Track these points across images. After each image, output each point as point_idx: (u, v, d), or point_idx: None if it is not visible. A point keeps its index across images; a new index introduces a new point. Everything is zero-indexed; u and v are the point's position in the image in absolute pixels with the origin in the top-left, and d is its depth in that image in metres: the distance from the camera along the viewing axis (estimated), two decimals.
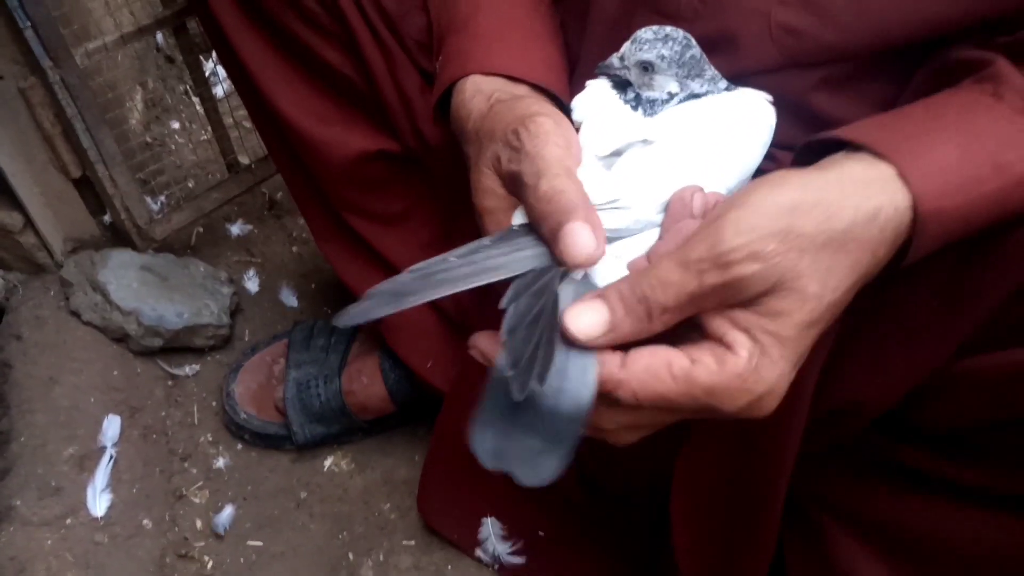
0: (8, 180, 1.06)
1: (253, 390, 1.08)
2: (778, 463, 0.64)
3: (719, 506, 0.71)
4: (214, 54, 1.30)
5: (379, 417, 1.06)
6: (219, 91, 1.30)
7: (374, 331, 1.05)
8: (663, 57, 0.55)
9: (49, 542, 0.93)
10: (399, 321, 0.97)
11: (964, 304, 0.54)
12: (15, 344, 1.09)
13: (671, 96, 0.56)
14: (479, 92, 0.62)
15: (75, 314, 1.10)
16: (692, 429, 0.73)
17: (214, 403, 1.11)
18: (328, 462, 1.08)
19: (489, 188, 0.57)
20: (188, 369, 1.13)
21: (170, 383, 1.13)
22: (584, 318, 0.47)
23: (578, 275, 0.50)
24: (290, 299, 1.22)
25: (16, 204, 1.09)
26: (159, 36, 1.45)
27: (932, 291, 0.54)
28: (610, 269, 0.50)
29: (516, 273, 0.49)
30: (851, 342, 0.60)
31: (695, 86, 0.56)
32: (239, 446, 1.08)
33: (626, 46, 0.56)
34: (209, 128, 1.22)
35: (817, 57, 0.58)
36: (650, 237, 0.52)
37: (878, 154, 0.47)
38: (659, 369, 0.46)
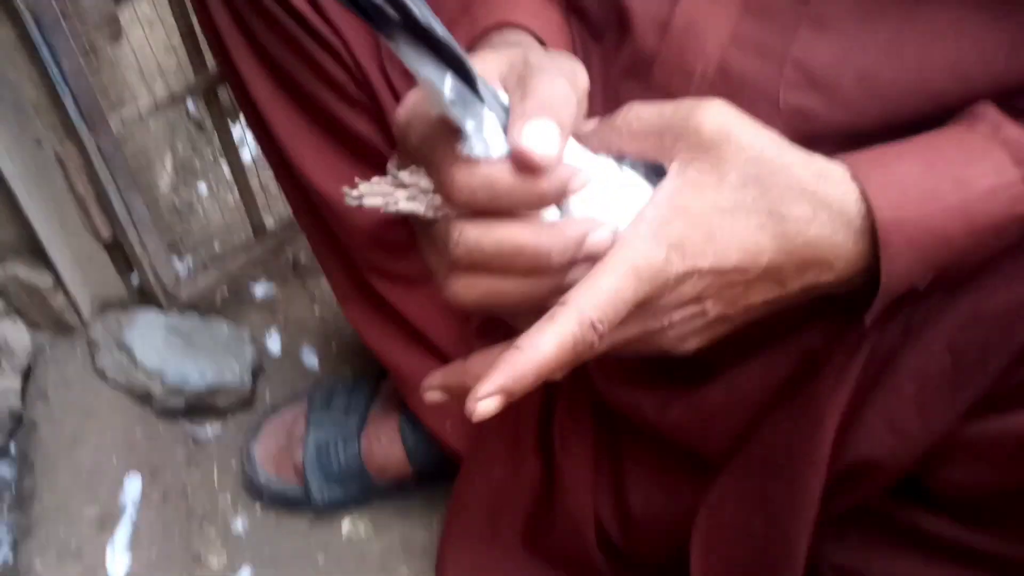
0: (41, 242, 1.09)
1: (273, 451, 1.09)
2: (798, 524, 0.63)
3: (739, 570, 0.70)
4: (243, 120, 1.34)
5: (398, 479, 1.06)
6: (247, 156, 1.33)
7: (394, 393, 1.05)
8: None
9: None
10: (418, 383, 0.98)
11: (972, 363, 0.55)
12: (41, 404, 1.10)
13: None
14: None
15: (101, 374, 1.11)
16: (710, 489, 0.72)
17: (234, 464, 1.11)
18: (346, 526, 1.08)
19: None
20: (209, 430, 1.14)
21: (191, 444, 1.13)
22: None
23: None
24: (311, 360, 1.23)
25: (47, 265, 1.12)
26: (190, 103, 1.49)
27: (944, 346, 0.55)
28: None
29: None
30: (866, 400, 0.60)
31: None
32: (258, 508, 1.08)
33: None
34: (236, 191, 1.25)
35: (829, 135, 0.59)
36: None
37: (846, 166, 0.51)
38: None
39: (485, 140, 0.45)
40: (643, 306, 0.49)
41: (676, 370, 0.69)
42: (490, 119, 0.46)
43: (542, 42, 0.65)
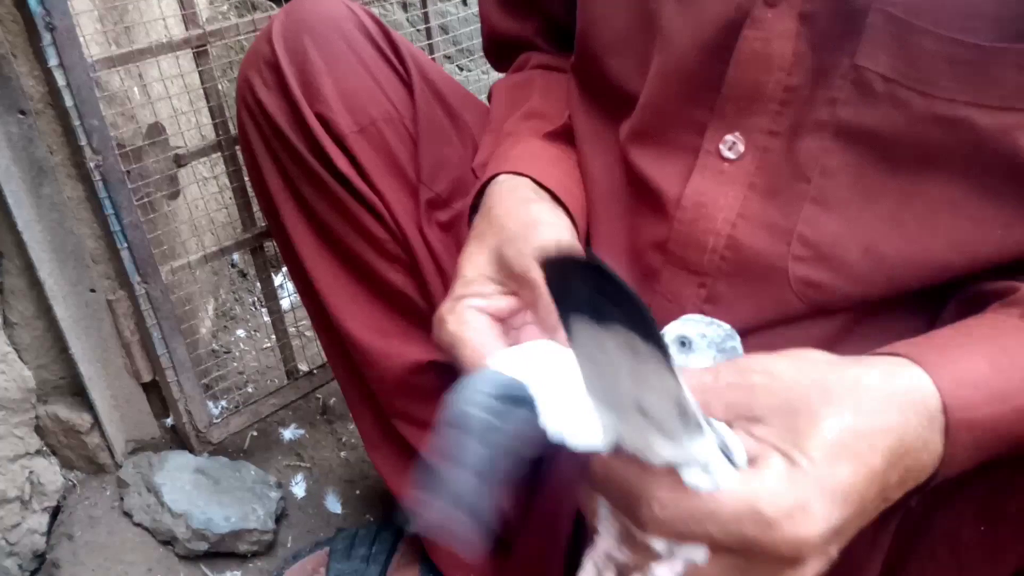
0: (85, 383, 1.13)
1: None
2: None
3: None
4: (284, 270, 1.42)
5: None
6: (285, 303, 1.40)
7: (416, 542, 1.05)
8: (704, 336, 0.53)
9: None
10: (442, 533, 0.98)
11: (1009, 530, 0.54)
12: (66, 543, 1.11)
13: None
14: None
15: (127, 515, 1.12)
16: None
17: None
18: None
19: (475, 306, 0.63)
20: (230, 575, 1.13)
21: None
22: None
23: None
24: (335, 505, 1.23)
25: (87, 405, 1.16)
26: (234, 253, 1.58)
27: (975, 513, 0.55)
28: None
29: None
30: (900, 566, 0.60)
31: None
32: None
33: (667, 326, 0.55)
34: (273, 336, 1.30)
35: (838, 305, 0.61)
36: None
37: (910, 359, 0.49)
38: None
39: (712, 472, 0.44)
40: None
41: None
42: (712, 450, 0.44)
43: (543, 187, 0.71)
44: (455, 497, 0.43)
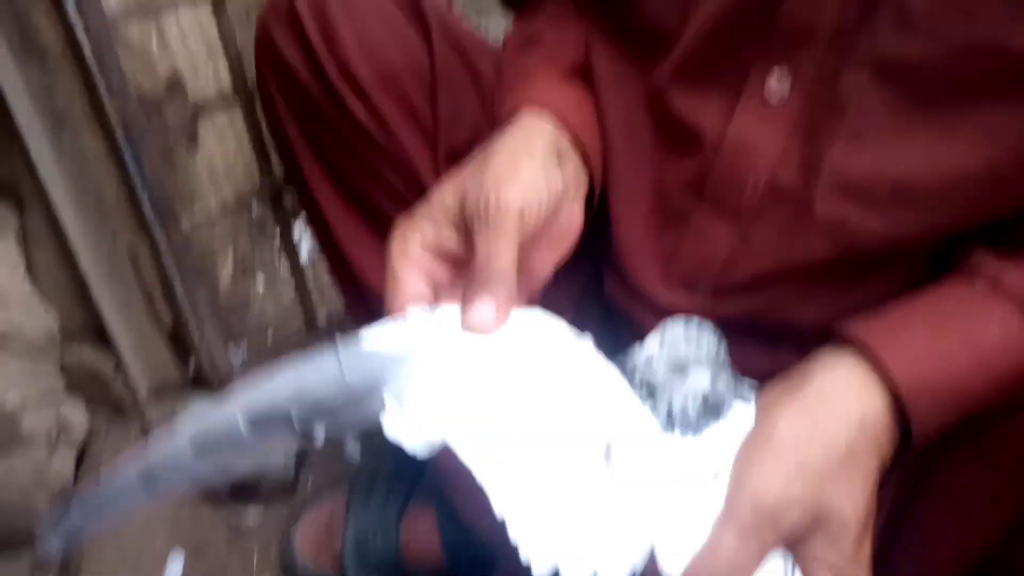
0: (107, 327, 1.16)
1: (312, 540, 1.11)
2: None
3: None
4: (301, 220, 1.43)
5: (434, 572, 1.07)
6: (304, 255, 1.41)
7: (433, 485, 1.08)
8: (705, 355, 0.53)
9: None
10: (458, 476, 1.00)
11: (1005, 473, 0.56)
12: (92, 480, 1.15)
13: (698, 399, 0.53)
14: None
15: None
16: None
17: (273, 549, 1.14)
18: None
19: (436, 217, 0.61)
20: (252, 514, 1.17)
21: (233, 526, 1.16)
22: None
23: None
24: (354, 449, 1.27)
25: (111, 350, 1.19)
26: (253, 203, 1.59)
27: (972, 460, 0.56)
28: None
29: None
30: (902, 523, 0.61)
31: (725, 376, 0.54)
32: None
33: (651, 343, 0.54)
34: (293, 287, 1.32)
35: (863, 246, 0.62)
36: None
37: (858, 343, 0.53)
38: None
39: None
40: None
41: None
42: None
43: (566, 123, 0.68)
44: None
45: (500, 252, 0.57)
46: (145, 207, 1.08)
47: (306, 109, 0.87)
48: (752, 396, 0.55)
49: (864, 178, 0.60)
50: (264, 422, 0.49)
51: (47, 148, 1.03)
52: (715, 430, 0.53)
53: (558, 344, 0.57)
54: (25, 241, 1.10)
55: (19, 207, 1.09)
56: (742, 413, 0.54)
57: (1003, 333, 0.52)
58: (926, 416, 0.51)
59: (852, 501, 0.49)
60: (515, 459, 0.51)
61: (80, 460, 1.19)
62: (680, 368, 0.53)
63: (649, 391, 0.55)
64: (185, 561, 1.06)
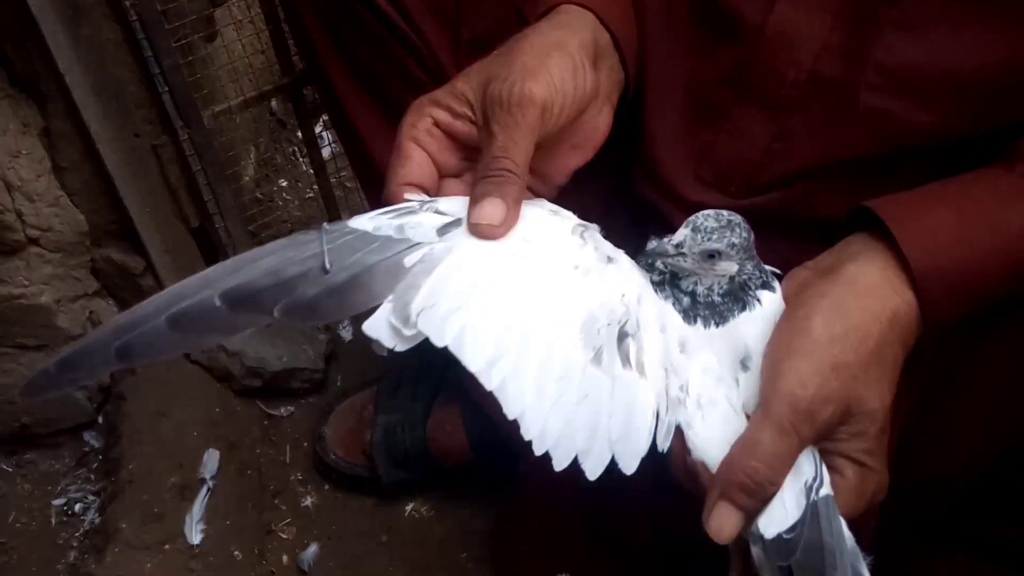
0: (135, 227, 1.16)
1: (342, 434, 1.13)
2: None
3: None
4: (324, 118, 1.40)
5: (460, 465, 1.10)
6: (326, 152, 1.39)
7: (458, 381, 1.09)
8: (734, 245, 0.53)
9: (148, 565, 0.99)
10: None
11: None
12: (129, 378, 1.17)
13: (729, 281, 0.55)
14: None
15: (184, 353, 1.18)
16: None
17: (305, 444, 1.17)
18: (409, 508, 1.12)
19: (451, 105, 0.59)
20: (283, 410, 1.20)
21: (266, 422, 1.19)
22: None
23: None
24: (380, 349, 1.28)
25: (139, 249, 1.19)
26: (273, 101, 1.56)
27: (1008, 357, 0.55)
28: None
29: None
30: (928, 412, 0.61)
31: (749, 267, 0.55)
32: (326, 486, 1.13)
33: (685, 234, 0.54)
34: (315, 186, 1.31)
35: (906, 140, 0.60)
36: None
37: (879, 224, 0.52)
38: None
39: None
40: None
41: None
42: None
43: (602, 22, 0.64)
44: None
45: (517, 144, 0.55)
46: (166, 102, 1.07)
47: None
48: (777, 286, 0.55)
49: (913, 69, 0.58)
50: (239, 302, 0.48)
51: (66, 43, 1.00)
52: (741, 319, 0.54)
53: (560, 239, 0.55)
54: (49, 139, 1.10)
55: (42, 105, 1.08)
56: (768, 302, 0.54)
57: None
58: (938, 303, 0.51)
59: (880, 394, 0.50)
60: (521, 359, 0.50)
61: None
62: (710, 256, 0.53)
63: (672, 278, 0.55)
64: (221, 455, 1.10)
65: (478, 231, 0.53)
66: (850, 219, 0.56)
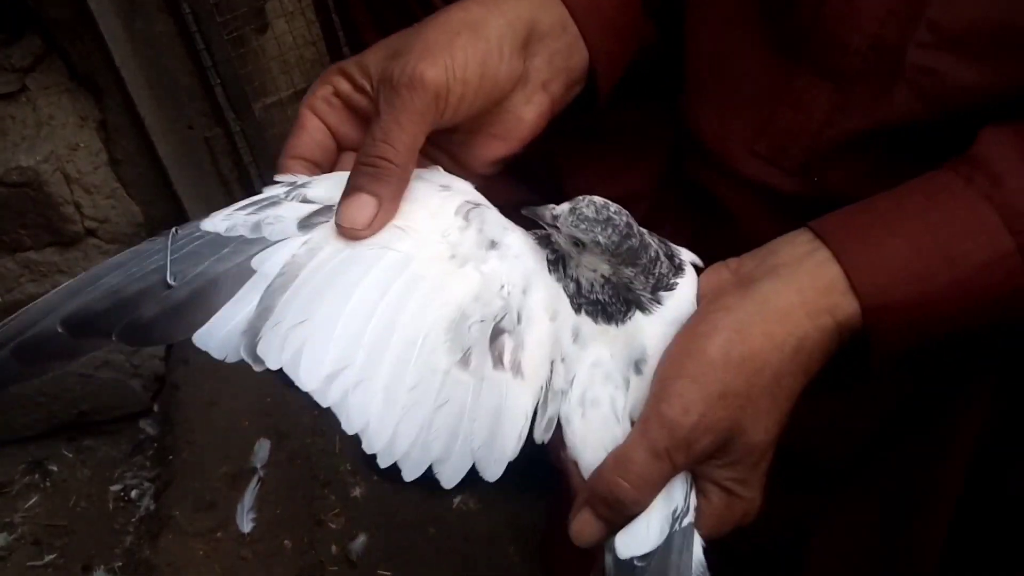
0: (189, 218, 1.18)
1: None
2: (924, 554, 0.62)
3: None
4: None
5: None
6: None
7: None
8: (597, 243, 0.49)
9: (201, 552, 1.00)
10: None
11: None
12: (182, 368, 1.19)
13: (603, 281, 0.51)
14: None
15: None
16: (825, 505, 0.71)
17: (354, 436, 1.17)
18: (457, 501, 1.12)
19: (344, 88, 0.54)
20: None
21: (316, 412, 1.20)
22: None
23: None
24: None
25: None
26: None
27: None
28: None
29: None
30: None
31: (628, 272, 0.50)
32: (375, 477, 1.14)
33: (564, 209, 0.50)
34: None
35: (950, 100, 0.57)
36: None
37: (830, 247, 0.49)
38: None
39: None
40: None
41: None
42: None
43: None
44: None
45: (403, 129, 0.50)
46: (218, 94, 1.08)
47: None
48: (687, 284, 0.52)
49: (966, 25, 0.55)
50: (79, 327, 0.45)
51: (121, 35, 1.02)
52: (640, 320, 0.51)
53: (441, 222, 0.50)
54: (106, 132, 1.12)
55: (99, 99, 1.10)
56: (674, 304, 0.51)
57: (988, 255, 0.48)
58: (887, 334, 0.49)
59: (765, 427, 0.48)
60: (367, 370, 0.46)
61: (170, 346, 1.24)
62: (575, 243, 0.49)
63: (561, 260, 0.52)
64: (271, 444, 1.11)
65: (342, 232, 0.48)
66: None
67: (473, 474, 1.13)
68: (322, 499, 1.12)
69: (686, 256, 0.54)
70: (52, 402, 1.22)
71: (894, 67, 0.58)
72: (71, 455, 1.26)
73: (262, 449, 1.09)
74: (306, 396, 0.46)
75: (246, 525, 1.03)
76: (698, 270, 0.53)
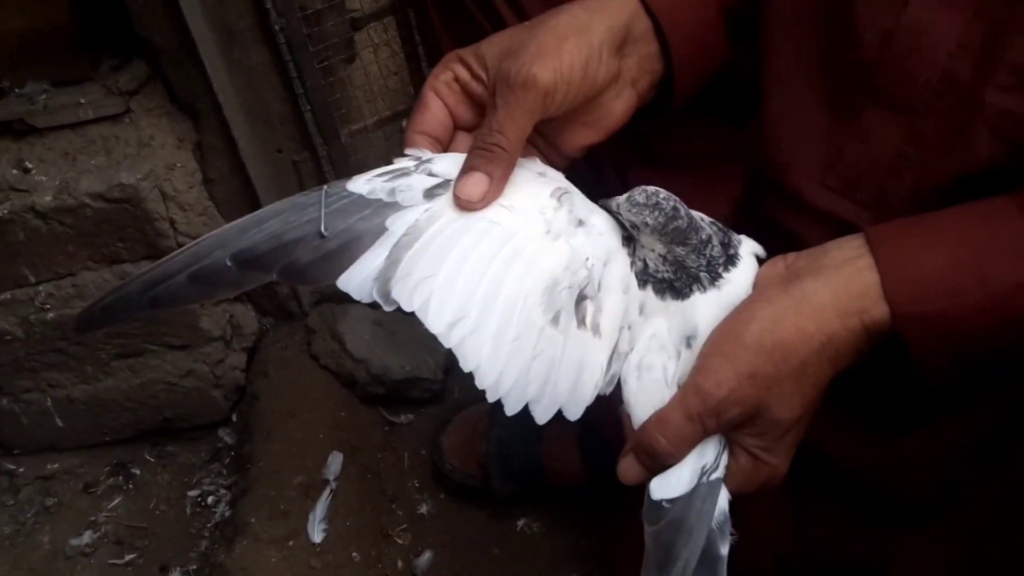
0: None
1: (459, 444, 1.16)
2: None
3: None
4: None
5: (574, 483, 1.09)
6: None
7: None
8: (646, 224, 0.58)
9: (273, 560, 1.03)
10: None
11: None
12: (262, 380, 1.24)
13: (662, 259, 0.59)
14: None
15: (314, 358, 1.23)
16: (909, 539, 0.70)
17: (423, 452, 1.20)
18: (521, 523, 1.13)
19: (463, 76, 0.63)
20: (404, 418, 1.23)
21: (387, 428, 1.23)
22: None
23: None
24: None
25: None
26: (404, 121, 1.62)
27: None
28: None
29: None
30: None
31: (680, 251, 0.58)
32: (442, 495, 1.16)
33: (622, 198, 0.59)
34: None
35: None
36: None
37: (874, 254, 0.54)
38: None
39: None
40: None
41: (870, 414, 0.69)
42: None
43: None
44: None
45: (515, 122, 0.58)
46: (307, 120, 1.13)
47: (459, 18, 0.87)
48: (744, 271, 0.59)
49: None
50: (246, 263, 0.55)
51: (219, 63, 1.08)
52: (699, 299, 0.59)
53: (538, 203, 0.59)
54: (201, 153, 1.18)
55: (196, 122, 1.16)
56: (729, 289, 0.58)
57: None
58: (922, 347, 0.52)
59: (790, 407, 0.55)
60: (481, 321, 0.54)
61: (251, 358, 1.29)
62: (633, 227, 0.59)
63: (631, 240, 0.61)
64: (344, 457, 1.14)
65: (459, 203, 0.57)
66: None
67: (544, 495, 1.15)
68: (390, 514, 1.14)
69: (749, 246, 0.61)
70: (139, 408, 1.28)
71: (969, 104, 0.58)
72: (153, 460, 1.31)
73: (335, 462, 1.13)
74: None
75: (317, 535, 1.06)
76: (761, 261, 0.61)
